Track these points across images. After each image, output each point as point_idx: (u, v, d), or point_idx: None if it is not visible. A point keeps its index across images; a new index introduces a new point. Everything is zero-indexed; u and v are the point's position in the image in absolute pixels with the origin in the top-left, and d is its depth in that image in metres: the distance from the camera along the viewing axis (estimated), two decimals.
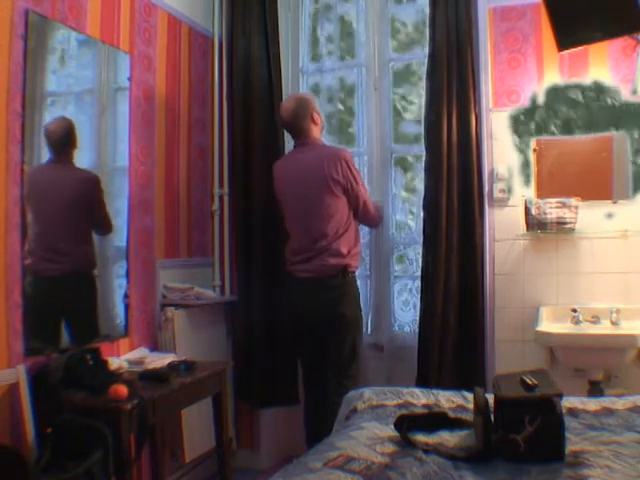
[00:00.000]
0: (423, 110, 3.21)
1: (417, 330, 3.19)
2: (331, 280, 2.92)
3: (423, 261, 3.19)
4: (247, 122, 3.43)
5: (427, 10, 3.23)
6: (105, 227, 2.78)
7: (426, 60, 3.22)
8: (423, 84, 3.24)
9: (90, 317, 2.70)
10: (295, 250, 3.02)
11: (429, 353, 3.11)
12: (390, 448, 1.74)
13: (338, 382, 2.86)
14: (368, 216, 3.10)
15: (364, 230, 3.38)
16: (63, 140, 2.52)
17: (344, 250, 2.92)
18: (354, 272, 3.01)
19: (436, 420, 1.95)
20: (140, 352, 2.81)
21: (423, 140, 3.22)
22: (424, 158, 3.21)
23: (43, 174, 2.45)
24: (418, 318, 3.19)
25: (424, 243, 3.18)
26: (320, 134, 3.09)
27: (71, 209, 2.60)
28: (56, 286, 2.50)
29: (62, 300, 2.54)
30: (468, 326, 3.14)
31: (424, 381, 3.04)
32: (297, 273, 3.00)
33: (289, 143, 3.50)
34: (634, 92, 3.03)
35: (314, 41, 3.70)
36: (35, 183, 2.35)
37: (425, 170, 3.20)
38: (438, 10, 3.15)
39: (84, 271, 2.69)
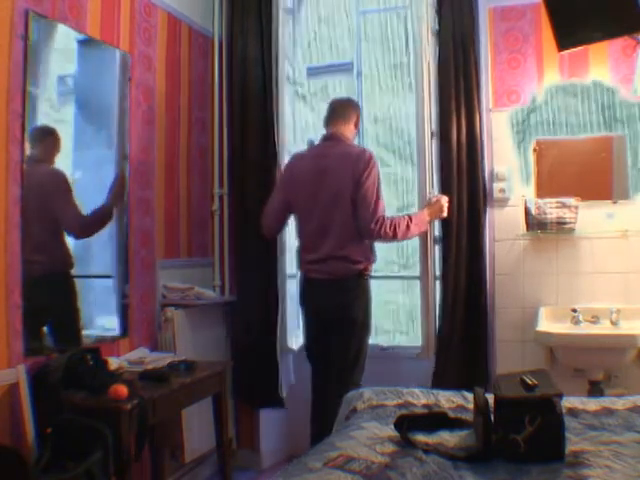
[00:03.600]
0: (434, 111, 3.18)
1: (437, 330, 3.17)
2: (345, 283, 2.84)
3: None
4: (246, 122, 3.42)
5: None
6: (74, 227, 2.61)
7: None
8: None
9: (70, 319, 2.61)
10: (308, 249, 2.94)
11: (443, 354, 3.13)
12: (390, 448, 1.74)
13: (342, 383, 2.84)
14: (365, 221, 2.79)
15: None
16: (43, 143, 2.46)
17: (360, 257, 2.85)
18: (369, 275, 2.93)
19: (436, 420, 1.95)
20: (140, 352, 2.81)
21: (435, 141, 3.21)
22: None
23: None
24: (438, 319, 3.17)
25: (436, 244, 3.19)
26: (352, 137, 3.00)
27: (38, 208, 2.44)
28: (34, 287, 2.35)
29: (40, 301, 2.40)
30: (473, 326, 3.15)
31: (439, 381, 3.06)
32: (310, 273, 2.94)
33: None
34: (634, 92, 3.03)
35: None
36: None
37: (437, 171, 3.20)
38: (444, 12, 3.14)
39: (60, 272, 2.59)
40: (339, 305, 2.85)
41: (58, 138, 2.50)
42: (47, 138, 2.47)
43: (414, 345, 3.33)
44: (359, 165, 2.80)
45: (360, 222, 2.81)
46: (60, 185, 2.57)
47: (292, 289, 3.47)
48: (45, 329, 2.49)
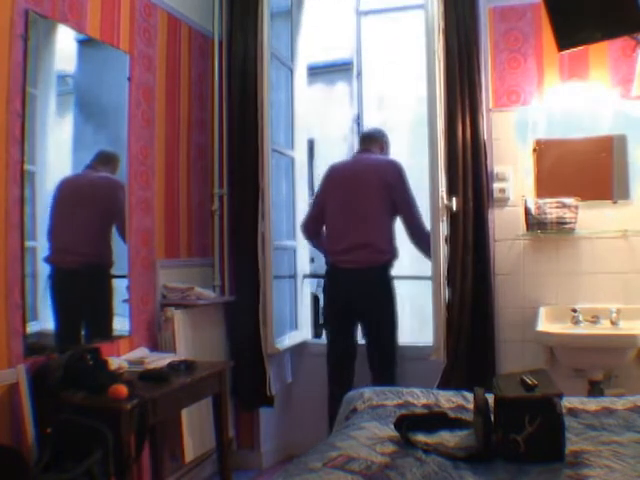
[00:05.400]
0: (440, 109, 3.16)
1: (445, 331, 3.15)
2: (371, 272, 3.15)
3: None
4: (245, 122, 3.42)
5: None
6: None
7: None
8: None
9: (105, 312, 2.82)
10: (338, 240, 3.24)
11: (452, 353, 3.12)
12: (390, 448, 1.75)
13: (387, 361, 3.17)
14: (420, 226, 3.22)
15: None
16: (105, 163, 2.79)
17: (385, 247, 3.18)
18: (392, 267, 3.24)
19: (436, 420, 1.95)
20: (140, 352, 2.81)
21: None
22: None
23: (77, 179, 2.64)
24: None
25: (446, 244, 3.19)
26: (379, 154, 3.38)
27: (90, 210, 2.75)
28: (73, 278, 2.62)
29: (79, 291, 2.68)
30: (481, 325, 3.15)
31: (448, 380, 3.06)
32: (340, 264, 3.22)
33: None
34: (634, 92, 3.03)
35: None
36: (67, 187, 2.55)
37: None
38: (449, 12, 3.13)
39: (101, 267, 2.81)
40: (366, 294, 3.14)
41: (119, 163, 2.83)
42: (113, 162, 2.81)
43: (425, 345, 3.28)
44: (390, 170, 3.23)
45: (415, 221, 3.24)
46: (119, 192, 2.85)
47: (283, 289, 3.48)
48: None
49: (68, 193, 2.57)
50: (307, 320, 3.85)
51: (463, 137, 3.13)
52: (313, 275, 4.13)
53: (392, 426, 1.89)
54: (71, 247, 2.60)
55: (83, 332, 2.68)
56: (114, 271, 2.83)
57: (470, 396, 2.15)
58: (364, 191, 3.21)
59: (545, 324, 3.04)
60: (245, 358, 3.34)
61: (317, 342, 3.89)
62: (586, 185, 3.13)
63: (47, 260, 2.43)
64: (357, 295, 3.19)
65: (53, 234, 2.46)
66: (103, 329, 2.77)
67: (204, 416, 2.94)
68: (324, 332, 3.44)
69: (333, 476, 1.53)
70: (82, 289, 2.69)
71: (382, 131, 3.49)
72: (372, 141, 3.40)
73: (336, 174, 3.39)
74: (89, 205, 2.74)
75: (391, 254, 3.22)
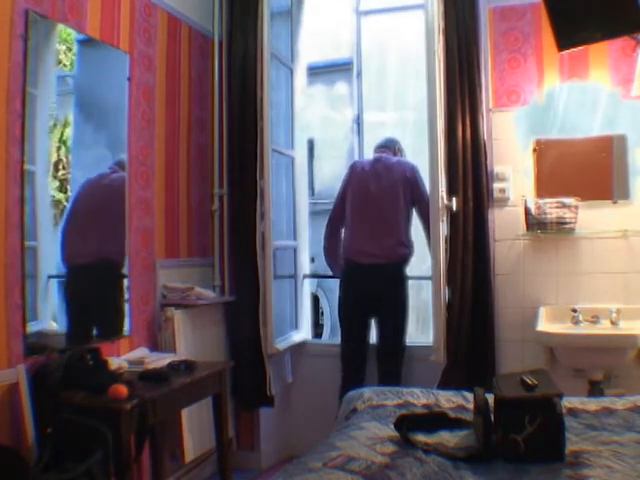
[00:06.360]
0: (440, 109, 3.14)
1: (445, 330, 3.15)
2: (393, 267, 3.25)
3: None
4: (245, 122, 3.42)
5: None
6: None
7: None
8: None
9: (117, 309, 2.86)
10: (361, 231, 3.33)
11: (451, 354, 3.12)
12: (390, 448, 1.75)
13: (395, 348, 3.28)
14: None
15: None
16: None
17: (407, 240, 3.31)
18: (408, 264, 3.35)
19: (436, 420, 1.95)
20: (140, 352, 2.81)
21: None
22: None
23: (95, 182, 2.73)
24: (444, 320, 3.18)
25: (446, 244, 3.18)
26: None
27: (101, 210, 2.82)
28: (88, 277, 2.69)
29: (93, 291, 2.74)
30: (481, 325, 3.15)
31: (447, 380, 3.06)
32: (358, 257, 3.29)
33: None
34: (634, 92, 3.03)
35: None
36: (87, 189, 2.65)
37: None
38: (449, 12, 3.12)
39: (114, 266, 2.85)
40: (384, 290, 3.23)
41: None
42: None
43: (425, 345, 3.29)
44: (409, 168, 3.37)
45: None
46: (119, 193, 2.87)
47: (284, 289, 3.47)
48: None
49: (86, 194, 2.63)
50: (307, 320, 3.86)
51: (463, 137, 3.14)
52: (313, 275, 4.13)
53: (392, 426, 1.89)
54: (87, 247, 2.67)
55: (95, 332, 2.73)
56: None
57: (470, 396, 2.16)
58: (387, 186, 3.33)
59: (545, 324, 3.04)
60: (245, 358, 3.34)
61: (317, 342, 3.90)
62: (586, 185, 3.13)
63: (63, 260, 2.49)
64: (374, 290, 3.25)
65: (69, 235, 2.52)
66: (114, 328, 2.80)
67: (204, 416, 2.94)
68: (339, 331, 3.44)
69: (333, 476, 1.53)
70: (97, 288, 2.76)
71: (395, 139, 3.60)
72: (386, 148, 3.52)
73: (359, 170, 3.48)
74: (105, 204, 2.83)
75: (409, 249, 3.32)
